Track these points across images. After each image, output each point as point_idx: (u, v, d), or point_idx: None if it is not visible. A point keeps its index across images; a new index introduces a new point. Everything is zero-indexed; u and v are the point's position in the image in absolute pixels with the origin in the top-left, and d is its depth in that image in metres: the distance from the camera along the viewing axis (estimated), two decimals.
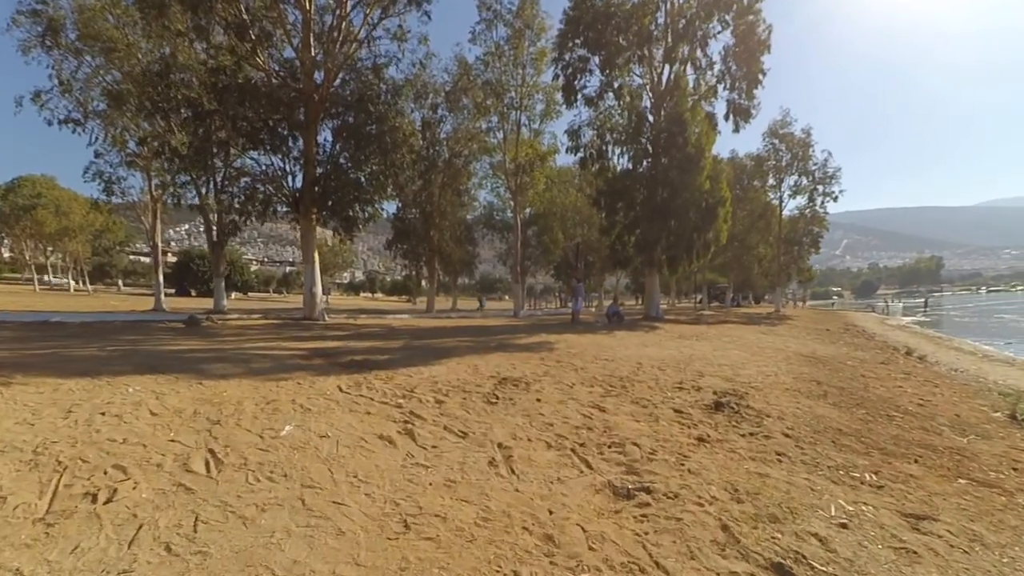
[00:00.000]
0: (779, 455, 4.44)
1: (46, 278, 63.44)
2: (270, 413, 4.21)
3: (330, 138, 16.29)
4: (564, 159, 31.99)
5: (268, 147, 15.07)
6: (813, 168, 35.73)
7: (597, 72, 22.25)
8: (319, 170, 15.57)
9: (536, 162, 25.32)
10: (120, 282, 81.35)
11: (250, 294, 71.54)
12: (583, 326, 16.34)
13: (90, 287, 59.66)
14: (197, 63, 15.37)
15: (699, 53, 19.87)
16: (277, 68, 15.52)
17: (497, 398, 5.34)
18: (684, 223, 20.19)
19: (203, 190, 19.42)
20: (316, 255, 15.91)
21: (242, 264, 69.18)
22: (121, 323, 13.18)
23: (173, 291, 64.51)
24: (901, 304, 75.18)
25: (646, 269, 22.52)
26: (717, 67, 20.76)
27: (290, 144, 15.48)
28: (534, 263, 44.23)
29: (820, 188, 36.00)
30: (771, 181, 37.20)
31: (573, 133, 23.40)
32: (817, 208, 36.42)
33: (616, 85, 22.06)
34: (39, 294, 42.00)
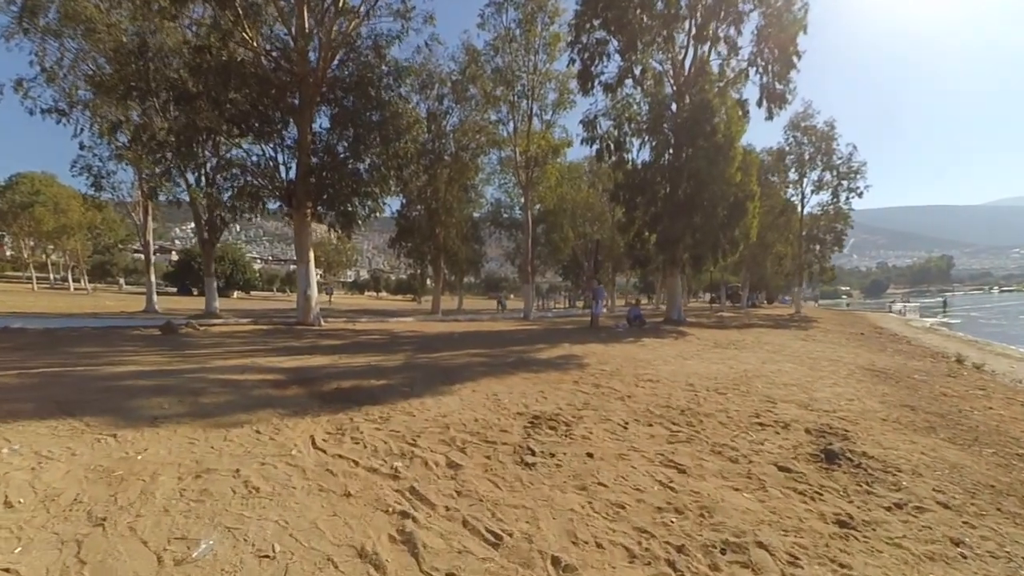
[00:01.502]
0: (956, 543, 3.00)
1: (50, 277, 62.56)
2: (193, 500, 2.71)
3: (327, 125, 14.79)
4: (576, 153, 30.53)
5: (257, 134, 13.57)
6: (837, 162, 34.04)
7: (616, 57, 20.68)
8: (314, 160, 14.06)
9: (549, 155, 23.72)
10: (122, 280, 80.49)
11: (252, 293, 70.52)
12: (605, 332, 14.80)
13: (89, 286, 58.57)
14: (179, 42, 13.94)
15: (732, 31, 18.23)
16: (267, 46, 14.02)
17: (533, 453, 3.82)
18: (711, 219, 18.59)
19: (192, 183, 17.98)
20: (311, 254, 14.44)
21: (245, 263, 67.97)
22: (90, 329, 11.75)
23: (175, 290, 63.62)
24: (918, 304, 73.19)
25: (666, 269, 20.93)
26: (747, 49, 19.15)
27: (282, 131, 13.96)
28: (542, 262, 42.66)
29: (844, 183, 34.33)
30: (792, 176, 35.51)
31: (589, 123, 21.81)
32: (841, 204, 34.74)
33: (637, 71, 20.48)
34: (36, 293, 40.85)
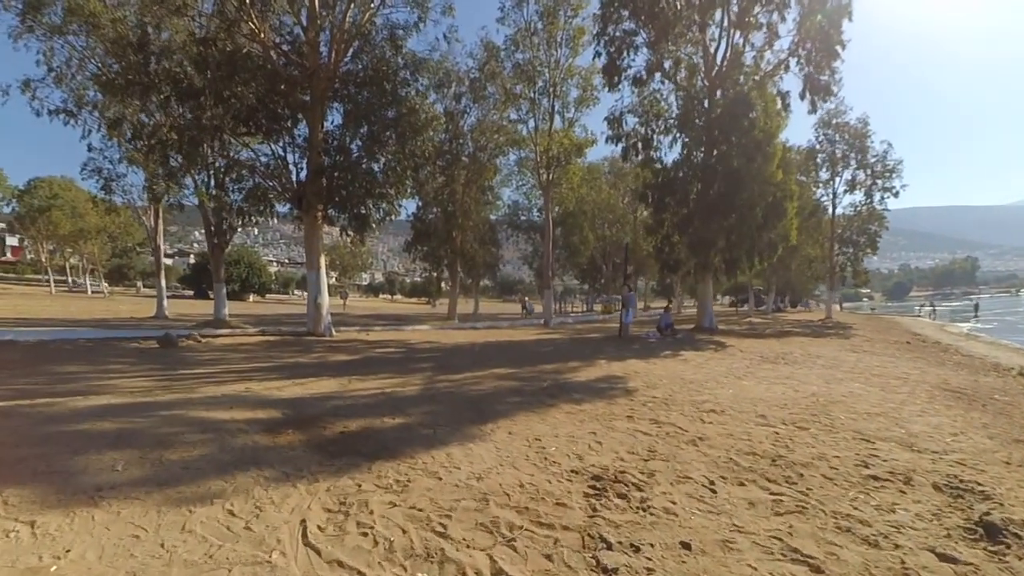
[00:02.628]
0: None
1: (68, 280, 62.99)
2: None
3: (339, 122, 13.87)
4: (596, 153, 29.39)
5: (266, 132, 12.68)
6: (872, 160, 32.43)
7: (644, 50, 19.55)
8: (325, 160, 13.14)
9: (571, 154, 22.61)
10: (140, 284, 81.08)
11: (268, 296, 70.52)
12: (638, 344, 13.65)
13: (106, 289, 58.76)
14: (184, 37, 13.13)
15: (775, 16, 16.94)
16: (276, 39, 13.14)
17: (610, 547, 2.73)
18: (747, 220, 17.33)
19: (199, 185, 17.18)
20: (322, 259, 13.53)
21: (261, 266, 67.94)
22: (84, 342, 10.91)
23: (192, 293, 63.74)
24: (947, 308, 70.51)
25: (697, 274, 19.68)
26: (785, 40, 17.87)
27: (292, 129, 13.06)
28: (560, 265, 41.55)
29: (879, 182, 32.69)
30: (823, 175, 33.91)
31: (614, 120, 20.71)
32: (876, 204, 33.08)
33: (667, 64, 19.33)
34: (52, 297, 40.82)
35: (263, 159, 14.37)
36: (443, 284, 36.99)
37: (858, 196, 33.45)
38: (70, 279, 64.03)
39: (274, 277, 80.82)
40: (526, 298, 41.01)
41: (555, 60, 21.83)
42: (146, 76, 12.11)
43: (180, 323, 19.15)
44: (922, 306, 64.86)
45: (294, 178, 13.66)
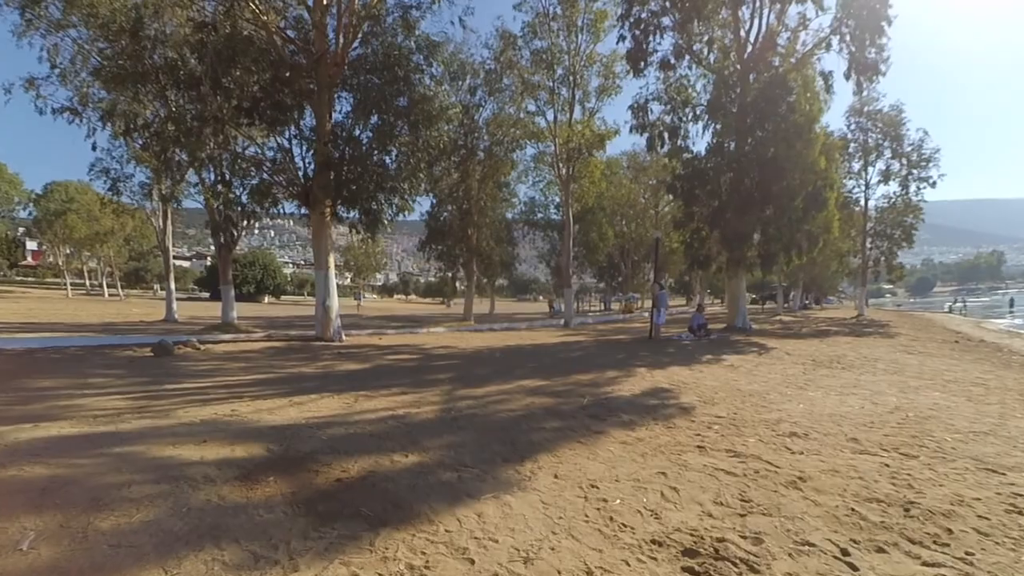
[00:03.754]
0: None
1: (85, 283, 63.30)
2: None
3: (348, 111, 12.93)
4: (615, 147, 28.17)
5: (270, 122, 11.78)
6: (907, 149, 30.75)
7: (671, 33, 18.36)
8: (333, 152, 12.17)
9: (593, 145, 21.47)
10: (157, 286, 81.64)
11: (283, 298, 70.45)
12: (673, 348, 12.52)
13: (123, 292, 58.91)
14: (182, 23, 12.29)
15: None
16: (280, 22, 12.23)
17: None
18: (786, 212, 16.09)
19: (204, 181, 16.41)
20: (331, 259, 12.60)
21: (275, 267, 67.83)
22: (75, 350, 10.09)
23: (207, 295, 63.82)
24: (977, 303, 67.80)
25: (729, 269, 18.42)
26: (826, 19, 16.55)
27: (298, 119, 12.14)
28: (578, 263, 40.35)
29: (915, 172, 31.01)
30: (855, 166, 32.26)
31: (639, 108, 19.54)
32: (911, 196, 31.40)
33: (696, 47, 18.13)
34: (69, 300, 40.79)
35: (268, 153, 13.53)
36: (458, 284, 36.08)
37: (892, 187, 31.86)
38: (88, 282, 64.35)
39: (289, 279, 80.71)
40: (554, 298, 39.69)
41: (575, 47, 20.73)
42: (141, 64, 11.28)
43: (188, 327, 18.45)
44: (955, 302, 62.40)
45: (301, 173, 12.74)
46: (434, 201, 26.54)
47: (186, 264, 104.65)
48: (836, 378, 8.74)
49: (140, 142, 12.05)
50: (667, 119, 19.51)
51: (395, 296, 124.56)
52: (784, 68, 16.31)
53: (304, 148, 12.39)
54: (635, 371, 8.29)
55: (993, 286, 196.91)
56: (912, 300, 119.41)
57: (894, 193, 31.94)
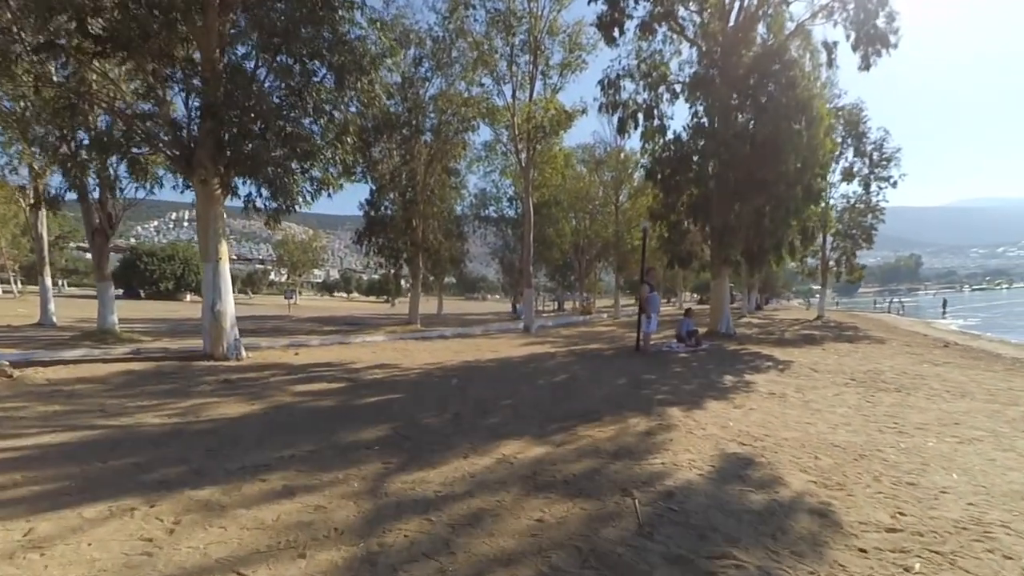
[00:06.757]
0: None
1: None
2: None
3: (250, 52, 9.57)
4: (573, 137, 25.79)
5: (127, 49, 8.30)
6: (869, 148, 29.95)
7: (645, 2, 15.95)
8: (220, 94, 8.76)
9: (559, 124, 18.77)
10: (62, 282, 73.21)
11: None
12: (679, 365, 9.96)
13: (17, 289, 51.81)
14: None
15: None
16: None
17: None
18: (783, 202, 13.99)
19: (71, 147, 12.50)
20: (224, 248, 9.24)
21: (198, 262, 61.46)
22: None
23: (121, 292, 57.17)
24: (912, 304, 70.48)
25: (714, 268, 16.21)
26: None
27: (171, 51, 8.69)
28: (533, 261, 37.71)
29: (876, 172, 30.29)
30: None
31: (610, 84, 17.07)
32: (873, 196, 30.70)
33: (680, 11, 15.80)
34: None
35: (144, 107, 9.97)
36: (403, 282, 32.62)
37: (853, 187, 31.03)
38: None
39: None
40: (519, 296, 36.42)
41: (539, 9, 17.95)
42: None
43: (52, 336, 14.47)
44: (891, 302, 64.41)
45: (185, 134, 9.27)
46: (373, 188, 23.10)
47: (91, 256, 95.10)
48: (914, 409, 6.41)
49: None
50: (640, 97, 17.17)
51: (336, 294, 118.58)
52: (777, 40, 14.22)
53: (185, 94, 8.92)
54: (665, 413, 5.57)
55: (912, 287, 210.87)
56: (838, 301, 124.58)
57: (854, 193, 31.20)
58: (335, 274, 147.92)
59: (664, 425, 5.07)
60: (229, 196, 9.13)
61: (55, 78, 9.89)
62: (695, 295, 77.94)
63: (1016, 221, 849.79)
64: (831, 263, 32.51)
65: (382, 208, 23.58)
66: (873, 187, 30.58)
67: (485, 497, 3.23)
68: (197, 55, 8.91)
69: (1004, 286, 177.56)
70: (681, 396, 6.67)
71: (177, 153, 8.90)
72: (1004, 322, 33.94)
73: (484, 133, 52.96)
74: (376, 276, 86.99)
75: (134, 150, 9.29)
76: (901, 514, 3.21)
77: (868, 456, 4.42)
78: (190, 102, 8.92)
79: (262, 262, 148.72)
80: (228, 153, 8.64)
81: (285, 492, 3.31)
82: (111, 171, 11.61)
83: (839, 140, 29.94)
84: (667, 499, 3.25)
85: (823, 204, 24.56)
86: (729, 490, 3.46)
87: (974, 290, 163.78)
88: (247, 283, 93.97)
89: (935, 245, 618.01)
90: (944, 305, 50.17)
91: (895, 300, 66.19)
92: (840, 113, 29.58)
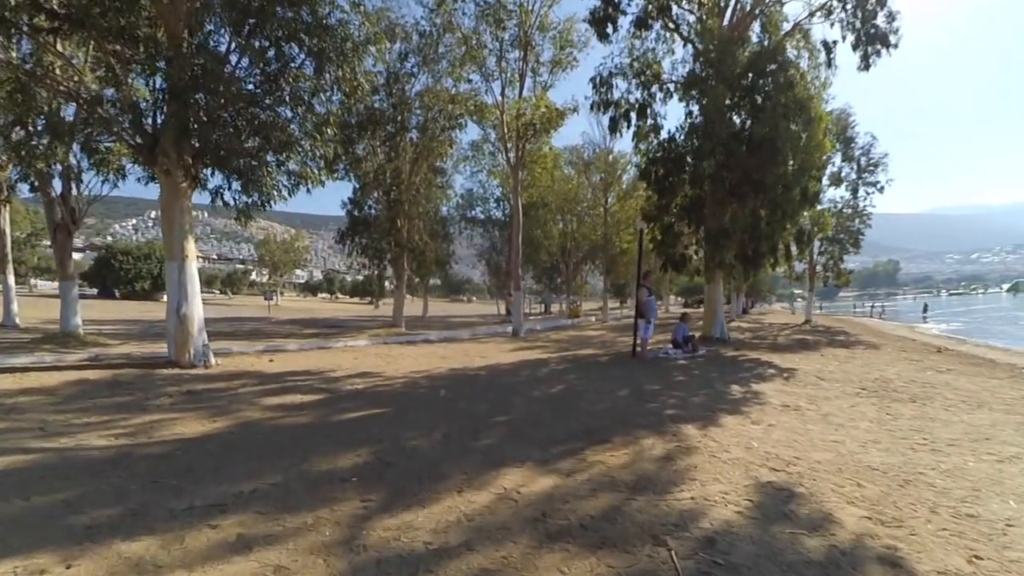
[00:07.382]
0: None
1: None
2: None
3: (220, 30, 8.86)
4: (561, 139, 25.22)
5: (85, 26, 7.55)
6: (857, 153, 29.96)
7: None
8: (185, 74, 8.01)
9: (551, 122, 18.22)
10: (35, 281, 70.93)
11: None
12: (680, 374, 9.44)
13: None
14: None
15: None
16: None
17: None
18: (780, 205, 13.60)
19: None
20: (191, 245, 8.50)
21: None
22: None
23: (95, 291, 55.52)
24: (893, 308, 71.25)
25: (708, 272, 15.79)
26: None
27: (133, 29, 7.94)
28: (521, 263, 37.17)
29: (864, 177, 30.30)
30: None
31: (602, 82, 16.59)
32: (860, 201, 30.70)
33: (675, 10, 15.38)
34: None
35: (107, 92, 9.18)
36: (387, 283, 31.79)
37: (840, 192, 31.01)
38: None
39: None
40: (511, 298, 35.74)
41: (528, 7, 17.43)
42: None
43: (20, 337, 13.60)
44: (872, 306, 65.03)
45: (149, 121, 8.51)
46: (357, 186, 22.35)
47: (78, 256, 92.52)
48: (937, 422, 5.96)
49: None
50: (633, 96, 16.72)
51: (319, 295, 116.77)
52: (774, 39, 13.87)
53: (148, 74, 8.14)
54: (680, 432, 5.01)
55: (891, 292, 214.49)
56: (820, 305, 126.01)
57: (841, 198, 31.17)
58: (318, 275, 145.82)
59: (683, 448, 4.50)
60: (197, 189, 8.39)
61: (9, 57, 9.04)
62: (680, 298, 77.79)
63: (990, 228, 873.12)
64: (818, 267, 32.47)
65: (366, 207, 22.88)
66: (861, 192, 30.60)
67: (487, 551, 2.62)
68: (163, 36, 8.18)
69: (980, 291, 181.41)
70: (692, 410, 6.12)
71: (139, 141, 8.15)
72: (985, 327, 34.19)
73: (471, 132, 52.37)
74: (360, 277, 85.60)
75: (95, 138, 8.49)
76: (977, 557, 2.70)
77: (913, 481, 3.91)
78: (153, 84, 8.18)
79: (243, 262, 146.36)
80: (195, 142, 7.91)
81: (239, 545, 2.67)
82: (73, 161, 10.76)
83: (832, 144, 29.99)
84: (708, 548, 2.68)
85: (819, 207, 24.47)
86: (777, 533, 2.90)
87: (951, 295, 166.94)
88: (227, 283, 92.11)
89: (912, 251, 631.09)
90: (925, 310, 50.73)
91: (876, 305, 66.81)
92: (830, 117, 29.58)
